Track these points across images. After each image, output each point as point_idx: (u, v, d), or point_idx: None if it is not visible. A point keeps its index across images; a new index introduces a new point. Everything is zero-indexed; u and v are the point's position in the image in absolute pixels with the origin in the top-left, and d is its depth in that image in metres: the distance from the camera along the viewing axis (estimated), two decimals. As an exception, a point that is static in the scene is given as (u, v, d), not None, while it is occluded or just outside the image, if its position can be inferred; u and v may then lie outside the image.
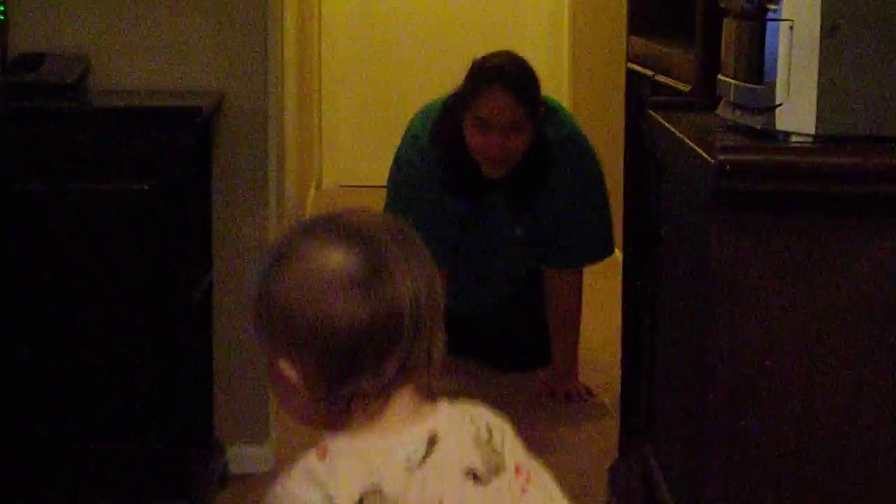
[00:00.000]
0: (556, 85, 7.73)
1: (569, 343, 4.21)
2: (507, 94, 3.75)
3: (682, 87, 2.89)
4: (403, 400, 1.62)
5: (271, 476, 3.56)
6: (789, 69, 2.20)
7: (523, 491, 1.72)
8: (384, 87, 7.75)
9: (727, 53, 2.41)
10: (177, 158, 3.12)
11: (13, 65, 3.32)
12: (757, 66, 2.26)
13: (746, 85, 2.29)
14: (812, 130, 2.20)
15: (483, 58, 3.86)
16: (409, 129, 4.06)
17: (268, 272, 1.62)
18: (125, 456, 3.16)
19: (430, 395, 1.63)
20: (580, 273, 4.16)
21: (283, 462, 3.66)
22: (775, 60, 2.22)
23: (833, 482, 2.23)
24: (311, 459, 1.60)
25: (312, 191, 7.40)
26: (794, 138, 2.22)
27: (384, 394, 1.60)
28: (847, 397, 2.21)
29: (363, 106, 7.92)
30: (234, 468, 3.57)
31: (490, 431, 1.68)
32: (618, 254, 3.98)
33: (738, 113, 2.33)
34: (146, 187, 3.11)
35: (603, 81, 6.60)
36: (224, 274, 3.55)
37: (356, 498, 1.56)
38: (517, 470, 1.71)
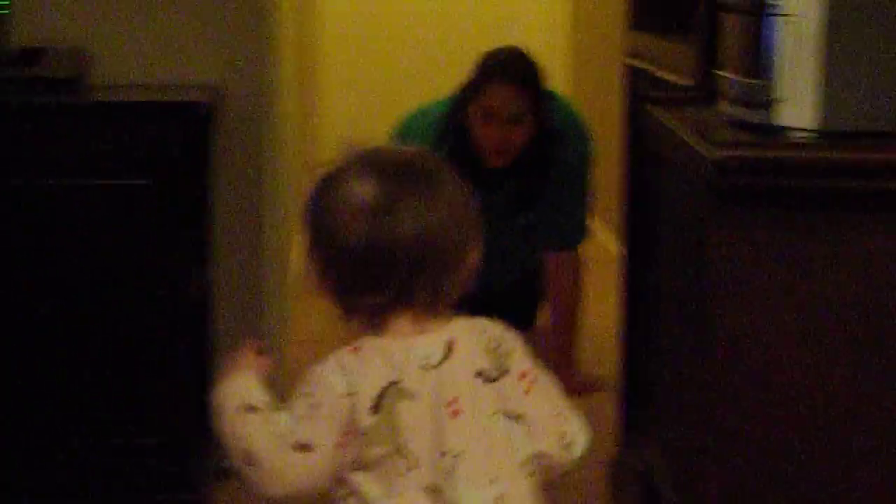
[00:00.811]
0: (555, 79, 7.72)
1: (567, 338, 4.28)
2: (510, 87, 3.90)
3: (682, 82, 2.89)
4: (403, 321, 1.86)
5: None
6: (788, 64, 2.20)
7: (527, 392, 1.92)
8: (383, 80, 7.75)
9: (726, 48, 2.41)
10: (176, 154, 3.12)
11: (13, 59, 3.32)
12: (756, 62, 2.26)
13: (745, 80, 2.29)
14: (811, 126, 2.20)
15: (489, 52, 4.00)
16: (406, 129, 4.09)
17: (313, 189, 1.91)
18: (124, 450, 3.16)
19: (430, 314, 1.87)
20: (578, 254, 4.31)
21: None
22: (774, 55, 2.22)
23: (833, 477, 2.23)
24: (344, 353, 1.88)
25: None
26: (792, 134, 2.22)
27: (382, 313, 1.86)
28: (846, 392, 2.21)
29: (362, 99, 7.92)
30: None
31: (499, 341, 1.91)
32: (617, 248, 4.03)
33: (737, 108, 2.32)
34: (145, 182, 3.11)
35: (602, 76, 6.60)
36: (222, 268, 3.55)
37: (378, 391, 1.82)
38: (522, 374, 1.92)
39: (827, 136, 2.20)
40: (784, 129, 2.22)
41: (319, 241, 1.90)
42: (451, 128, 3.99)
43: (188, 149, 3.16)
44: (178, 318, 3.16)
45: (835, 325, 2.20)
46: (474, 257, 1.90)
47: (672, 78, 2.96)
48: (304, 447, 1.85)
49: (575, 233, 4.32)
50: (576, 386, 4.13)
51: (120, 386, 3.15)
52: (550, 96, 4.11)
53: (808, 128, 2.20)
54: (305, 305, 5.26)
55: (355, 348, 1.88)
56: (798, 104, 2.21)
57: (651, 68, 3.16)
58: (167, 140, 3.11)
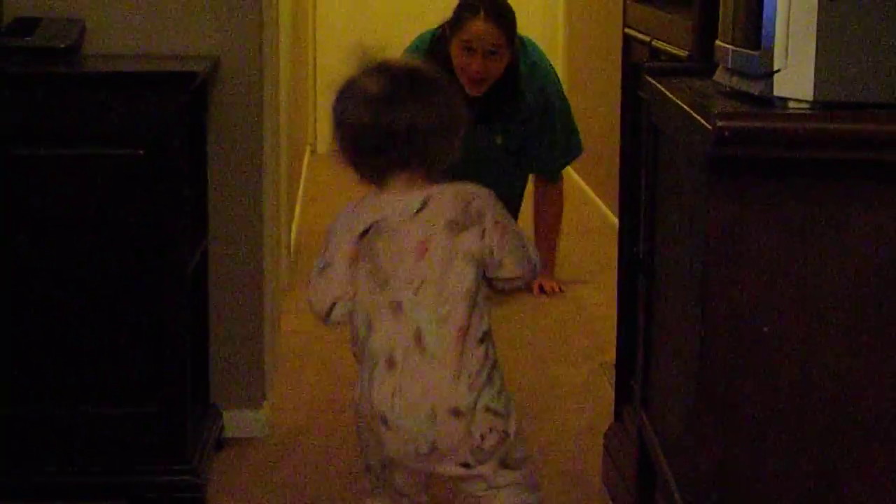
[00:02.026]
0: (551, 50, 7.71)
1: (550, 245, 5.06)
2: (489, 22, 4.65)
3: (680, 53, 2.88)
4: (399, 181, 2.54)
5: (267, 440, 3.59)
6: (787, 35, 2.20)
7: (497, 237, 2.53)
8: (378, 52, 7.72)
9: (725, 19, 2.40)
10: (172, 123, 3.11)
11: (8, 29, 3.31)
12: (755, 32, 2.25)
13: (744, 51, 2.28)
14: (810, 97, 2.19)
15: None
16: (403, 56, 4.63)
17: (338, 86, 2.60)
18: (122, 421, 3.17)
19: (423, 178, 2.54)
20: (560, 188, 5.12)
21: (279, 426, 3.68)
22: (773, 26, 2.21)
23: (831, 448, 2.23)
24: (350, 204, 2.60)
25: (307, 155, 7.39)
26: (792, 104, 2.21)
27: (382, 176, 2.54)
28: (845, 363, 2.21)
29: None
30: (230, 432, 3.59)
31: (470, 199, 2.54)
32: (615, 219, 4.11)
33: (735, 79, 2.32)
34: (141, 153, 3.11)
35: (599, 47, 6.58)
36: (219, 239, 3.55)
37: (365, 227, 2.54)
38: (495, 224, 2.53)
39: (826, 106, 2.19)
40: (783, 99, 2.21)
41: (338, 122, 2.56)
42: (435, 59, 4.53)
43: (185, 119, 3.15)
44: (175, 287, 3.16)
45: (833, 295, 2.20)
46: (458, 142, 2.54)
47: (671, 49, 2.95)
48: (326, 266, 2.59)
49: (555, 161, 5.04)
50: (551, 287, 5.00)
51: (117, 356, 3.15)
52: (522, 41, 4.86)
53: (807, 98, 2.19)
54: (302, 275, 5.27)
55: (358, 201, 2.59)
56: (797, 75, 2.20)
57: (649, 39, 3.15)
58: (163, 110, 3.10)
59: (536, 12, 7.76)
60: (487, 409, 2.50)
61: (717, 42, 2.42)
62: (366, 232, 2.54)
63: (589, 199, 6.70)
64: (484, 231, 2.52)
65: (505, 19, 4.67)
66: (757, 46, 2.24)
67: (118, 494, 3.17)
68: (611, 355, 3.50)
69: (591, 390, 4.03)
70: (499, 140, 4.90)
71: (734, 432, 2.24)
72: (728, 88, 2.34)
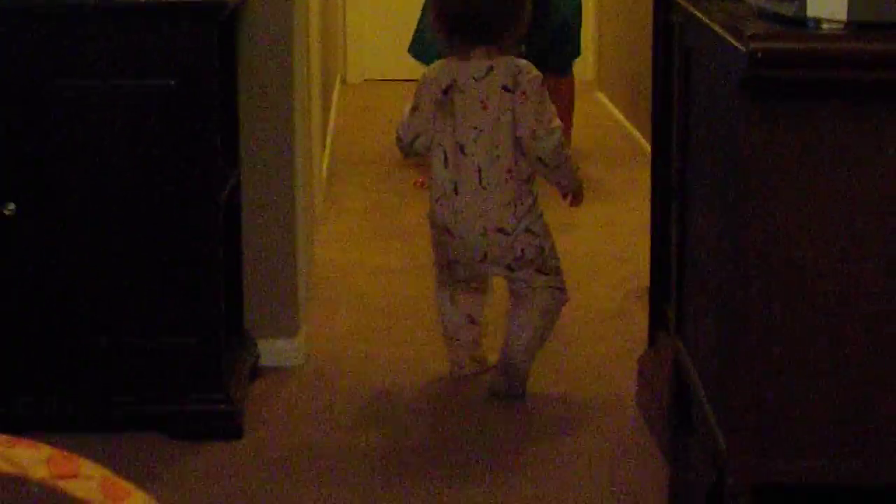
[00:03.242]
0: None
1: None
2: None
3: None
4: (477, 53, 3.36)
5: (302, 368, 3.61)
6: (821, -45, 2.17)
7: (523, 101, 3.34)
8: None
9: (758, -61, 2.37)
10: (202, 54, 3.11)
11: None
12: (788, -48, 2.23)
13: (777, -29, 2.26)
14: (843, 17, 2.17)
15: None
16: None
17: None
18: (158, 351, 3.18)
19: (498, 51, 3.37)
20: (572, 82, 5.80)
21: (314, 356, 3.70)
22: (807, -54, 2.19)
23: (867, 374, 2.23)
24: (436, 64, 3.42)
25: (338, 85, 7.38)
26: (825, 25, 2.19)
27: (467, 48, 3.36)
28: (881, 283, 2.20)
29: (385, 9, 7.86)
30: (265, 361, 3.60)
31: (519, 70, 3.36)
32: (647, 145, 4.11)
33: (768, 0, 2.30)
34: (172, 83, 3.10)
35: (629, -29, 6.53)
36: (251, 170, 3.55)
37: (447, 83, 3.36)
38: (523, 92, 3.34)
39: (859, 26, 2.17)
40: (816, 20, 2.19)
41: (438, 8, 3.40)
42: None
43: (214, 50, 3.14)
44: (207, 218, 3.16)
45: (869, 215, 2.18)
46: (522, 25, 3.41)
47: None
48: (414, 108, 3.41)
49: (566, 57, 5.70)
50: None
51: (151, 287, 3.17)
52: None
53: (840, 19, 2.17)
54: (332, 207, 5.27)
55: (441, 64, 3.40)
56: (830, -5, 2.18)
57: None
58: (193, 40, 3.10)
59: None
60: (527, 231, 3.38)
61: (750, -37, 2.40)
62: (447, 88, 3.36)
63: (620, 123, 6.68)
64: (515, 94, 3.33)
65: None
66: (790, -33, 2.22)
67: (155, 424, 3.19)
68: (644, 281, 3.49)
69: (624, 315, 4.03)
70: (522, 48, 5.04)
71: (769, 359, 2.23)
72: (761, 10, 2.32)
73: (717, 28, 2.32)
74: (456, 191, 3.36)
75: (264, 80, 3.52)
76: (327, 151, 5.83)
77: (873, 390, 2.23)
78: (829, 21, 2.19)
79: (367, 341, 3.86)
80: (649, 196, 3.37)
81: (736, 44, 2.16)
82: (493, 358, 3.55)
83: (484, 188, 3.34)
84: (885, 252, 2.19)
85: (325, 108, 5.89)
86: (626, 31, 6.66)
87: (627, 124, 6.56)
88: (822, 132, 2.17)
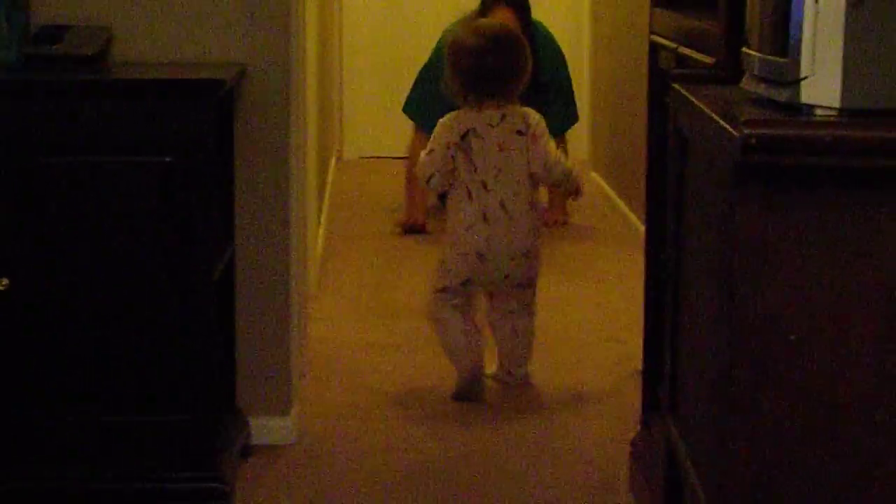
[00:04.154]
0: (577, 55, 7.70)
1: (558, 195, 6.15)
2: (509, 10, 5.88)
3: (707, 60, 2.86)
4: (489, 104, 4.01)
5: (294, 447, 3.59)
6: (814, 42, 2.19)
7: (534, 142, 4.03)
8: (403, 59, 7.73)
9: (752, 26, 2.39)
10: (199, 131, 3.12)
11: (36, 37, 3.32)
12: (782, 39, 2.24)
13: (771, 58, 2.27)
14: (837, 104, 2.18)
15: None
16: (440, 43, 5.97)
17: (451, 42, 4.17)
18: (148, 427, 3.17)
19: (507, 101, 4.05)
20: (564, 149, 6.00)
21: (305, 433, 3.69)
22: (800, 33, 2.20)
23: (862, 459, 2.22)
24: (452, 114, 4.03)
25: (333, 162, 7.40)
26: (818, 112, 2.20)
27: (480, 101, 4.01)
28: (874, 372, 2.20)
29: (383, 78, 7.92)
30: (257, 439, 3.59)
31: (528, 117, 4.05)
32: (642, 227, 4.17)
33: (762, 86, 2.31)
34: (168, 160, 3.11)
35: (625, 54, 6.57)
36: (246, 246, 3.55)
37: (464, 131, 3.99)
38: (534, 134, 4.04)
39: (852, 114, 2.18)
40: (810, 107, 2.20)
41: (453, 66, 4.05)
42: None
43: (212, 126, 3.16)
44: (202, 296, 3.16)
45: (862, 303, 2.19)
46: (526, 80, 4.07)
47: (697, 56, 2.94)
48: (431, 150, 4.04)
49: (562, 121, 6.18)
50: (559, 218, 6.24)
51: (143, 363, 3.16)
52: (535, 25, 6.07)
53: (834, 105, 2.18)
54: (326, 283, 5.27)
55: (455, 115, 4.03)
56: (823, 82, 2.19)
57: (676, 46, 3.14)
58: (190, 117, 3.11)
59: (562, 18, 7.75)
60: (537, 254, 4.06)
61: (744, 49, 2.42)
62: (465, 134, 3.98)
63: (615, 205, 6.69)
64: (527, 137, 4.01)
65: (523, 8, 5.98)
66: (784, 54, 2.23)
67: (145, 501, 3.17)
68: (637, 362, 3.49)
69: (617, 397, 4.02)
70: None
71: (763, 443, 2.23)
72: (755, 95, 2.33)
73: (710, 113, 2.33)
74: (486, 219, 3.98)
75: (261, 156, 3.53)
76: (322, 227, 5.84)
77: (870, 476, 2.23)
78: (822, 108, 2.20)
79: (359, 419, 3.84)
80: (643, 277, 3.37)
81: (729, 129, 2.17)
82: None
83: (510, 218, 3.98)
84: (877, 338, 2.19)
85: (321, 184, 5.91)
86: (621, 112, 6.69)
87: (621, 204, 6.57)
88: (815, 218, 2.17)
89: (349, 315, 4.86)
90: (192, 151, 3.12)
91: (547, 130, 4.05)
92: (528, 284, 4.07)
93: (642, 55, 3.64)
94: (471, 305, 4.08)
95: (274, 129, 3.53)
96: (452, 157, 3.98)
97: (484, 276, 4.01)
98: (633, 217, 6.15)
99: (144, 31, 3.44)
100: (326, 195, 6.43)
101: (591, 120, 7.66)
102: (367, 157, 7.99)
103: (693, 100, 2.51)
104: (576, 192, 4.23)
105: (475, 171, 3.98)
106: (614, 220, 6.44)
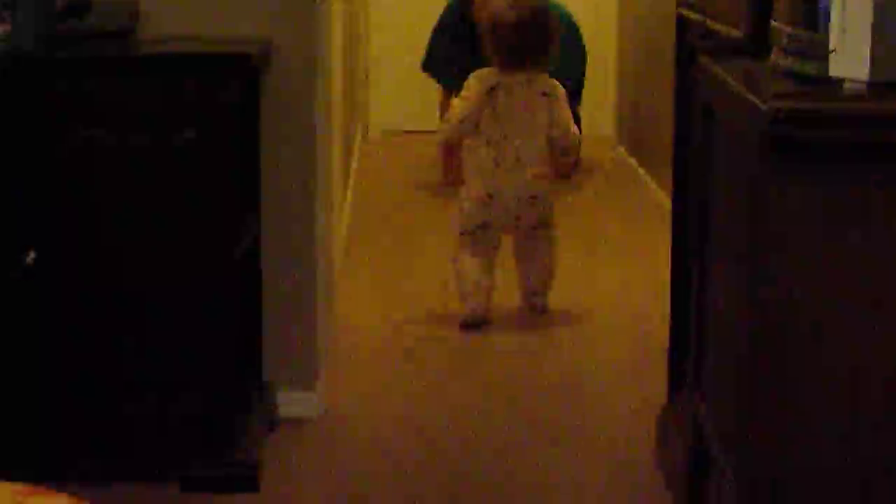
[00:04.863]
0: (603, 28, 7.67)
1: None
2: None
3: (735, 34, 2.83)
4: (520, 73, 4.46)
5: (320, 421, 3.60)
6: (843, 15, 2.17)
7: (553, 104, 4.50)
8: (429, 32, 7.72)
9: (780, -1, 2.38)
10: (225, 106, 3.11)
11: (62, 13, 3.32)
12: (811, 13, 2.23)
13: (800, 31, 2.26)
14: (865, 77, 2.17)
15: None
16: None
17: (491, 11, 4.59)
18: (177, 402, 3.17)
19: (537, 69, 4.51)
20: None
21: (332, 408, 3.69)
22: (829, 6, 2.19)
23: (886, 437, 2.21)
24: (485, 70, 4.51)
25: (359, 138, 7.39)
26: (847, 85, 2.19)
27: (513, 70, 4.46)
28: (900, 348, 2.19)
29: (408, 51, 7.90)
30: (283, 412, 3.59)
31: (552, 83, 4.51)
32: (667, 202, 4.18)
33: (790, 59, 2.30)
34: (193, 136, 3.10)
35: (652, 28, 6.54)
36: (272, 223, 3.55)
37: (492, 84, 4.47)
38: (557, 96, 4.50)
39: (881, 87, 2.17)
40: (838, 80, 2.19)
41: (491, 39, 4.47)
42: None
43: (237, 102, 3.15)
44: (227, 272, 3.16)
45: (888, 280, 2.17)
46: (556, 49, 4.52)
47: (725, 29, 2.93)
48: (465, 98, 4.46)
49: (572, 86, 6.16)
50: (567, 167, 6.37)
51: (168, 342, 3.16)
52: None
53: (862, 79, 2.17)
54: (351, 262, 5.27)
55: (489, 70, 4.48)
56: (852, 55, 2.18)
57: (704, 19, 3.12)
58: (216, 93, 3.10)
59: (589, -6, 7.73)
60: (546, 198, 4.51)
61: (773, 22, 2.40)
62: (493, 88, 4.43)
63: (642, 181, 6.67)
64: (551, 100, 4.47)
65: None
66: (813, 27, 2.22)
67: (171, 478, 3.17)
68: (663, 338, 3.49)
69: (643, 373, 4.01)
70: None
71: (787, 421, 2.22)
72: (783, 69, 2.32)
73: (738, 86, 2.32)
74: (497, 164, 4.43)
75: (286, 132, 3.53)
76: (348, 204, 5.83)
77: (892, 453, 2.22)
78: (851, 81, 2.19)
79: (385, 394, 3.85)
80: (669, 253, 3.36)
81: (757, 102, 2.16)
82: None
83: (522, 167, 4.43)
84: (906, 313, 2.18)
85: (346, 161, 5.90)
86: (647, 86, 6.67)
87: (649, 181, 6.55)
88: (843, 192, 2.16)
89: (375, 293, 4.86)
90: (218, 127, 3.11)
91: (567, 100, 4.52)
92: (543, 226, 4.53)
93: (669, 29, 3.62)
94: (491, 252, 4.50)
95: (300, 105, 3.53)
96: (479, 106, 4.43)
97: (496, 217, 4.46)
98: (660, 193, 6.13)
99: (170, 6, 3.44)
100: (352, 171, 6.43)
101: (617, 94, 7.63)
102: (391, 132, 7.98)
103: (720, 73, 2.50)
104: (574, 158, 4.83)
105: (498, 122, 4.43)
106: (641, 196, 6.42)
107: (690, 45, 3.09)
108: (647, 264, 5.13)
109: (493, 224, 4.48)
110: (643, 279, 4.97)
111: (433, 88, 6.77)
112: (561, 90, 4.50)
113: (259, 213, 3.52)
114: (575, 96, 6.37)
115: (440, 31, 6.68)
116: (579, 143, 4.71)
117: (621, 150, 7.35)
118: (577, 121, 6.60)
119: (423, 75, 6.79)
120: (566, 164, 4.94)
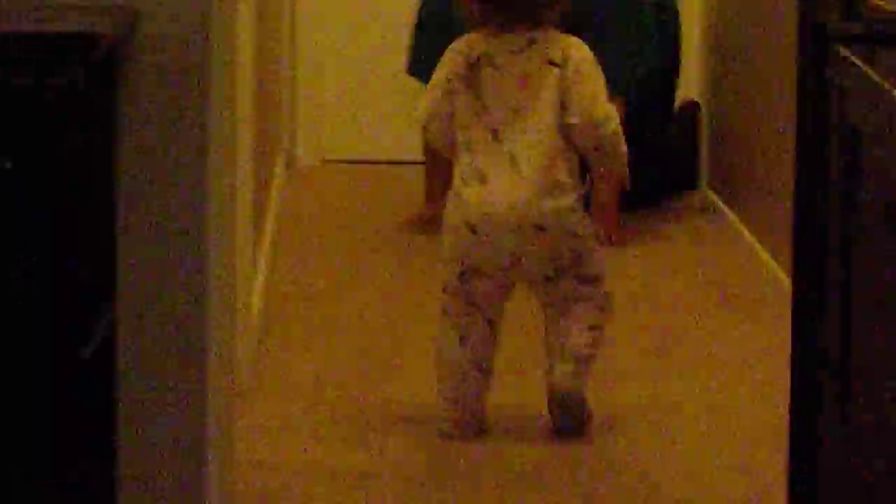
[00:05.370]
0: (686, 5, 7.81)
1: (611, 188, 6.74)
2: None
3: (887, 7, 2.87)
4: (520, 29, 4.60)
5: None
6: None
7: (575, 81, 4.54)
8: (375, 35, 8.13)
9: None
10: (54, 120, 3.05)
11: None
12: None
13: None
14: None
15: None
16: None
17: None
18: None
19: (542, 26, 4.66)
20: (621, 106, 6.23)
21: None
22: None
23: None
24: (464, 38, 4.64)
25: (280, 169, 7.52)
26: None
27: (508, 26, 4.60)
28: None
29: (351, 58, 8.20)
30: None
31: (567, 44, 4.59)
32: (788, 282, 4.19)
33: None
34: (7, 165, 3.04)
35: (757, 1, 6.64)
36: (133, 301, 3.55)
37: (475, 57, 4.59)
38: (577, 68, 4.55)
39: None
40: None
41: None
42: None
43: (77, 110, 3.10)
44: (64, 384, 3.10)
45: None
46: (561, 6, 4.61)
47: (880, 2, 2.93)
48: (432, 85, 4.61)
49: (618, 69, 6.41)
50: (610, 230, 6.66)
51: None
52: None
53: None
54: (266, 373, 5.25)
55: (467, 38, 4.58)
56: None
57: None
58: (45, 97, 3.05)
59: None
60: (568, 230, 4.45)
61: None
62: (475, 62, 4.49)
63: (747, 247, 6.73)
64: (566, 72, 4.49)
65: None
66: None
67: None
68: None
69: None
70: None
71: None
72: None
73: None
74: (483, 180, 4.46)
75: (161, 158, 3.55)
76: (262, 274, 5.83)
77: None
78: None
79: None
80: (789, 365, 3.40)
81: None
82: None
83: (520, 175, 4.45)
84: None
85: (260, 203, 5.91)
86: (752, 97, 6.71)
87: (758, 248, 6.62)
88: None
89: (302, 425, 4.85)
90: (47, 152, 3.05)
91: (600, 71, 4.54)
92: (560, 275, 4.53)
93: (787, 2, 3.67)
94: (481, 322, 4.55)
95: (183, 117, 3.54)
96: (452, 92, 4.56)
97: (484, 260, 4.48)
98: (776, 268, 6.26)
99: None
100: (269, 218, 6.45)
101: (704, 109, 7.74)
102: (332, 161, 8.15)
103: (873, 74, 2.57)
104: (623, 177, 4.63)
105: (483, 113, 4.53)
106: (746, 273, 6.49)
107: (823, 27, 3.13)
108: (760, 381, 5.13)
109: (483, 272, 4.49)
110: (754, 411, 4.96)
111: (388, 104, 7.55)
112: (586, 53, 4.57)
113: (114, 290, 3.52)
114: (665, 94, 6.91)
115: (421, 24, 7.33)
116: (623, 142, 4.64)
117: (711, 194, 7.48)
118: (665, 137, 6.99)
119: (393, 91, 7.53)
120: (613, 179, 5.09)
